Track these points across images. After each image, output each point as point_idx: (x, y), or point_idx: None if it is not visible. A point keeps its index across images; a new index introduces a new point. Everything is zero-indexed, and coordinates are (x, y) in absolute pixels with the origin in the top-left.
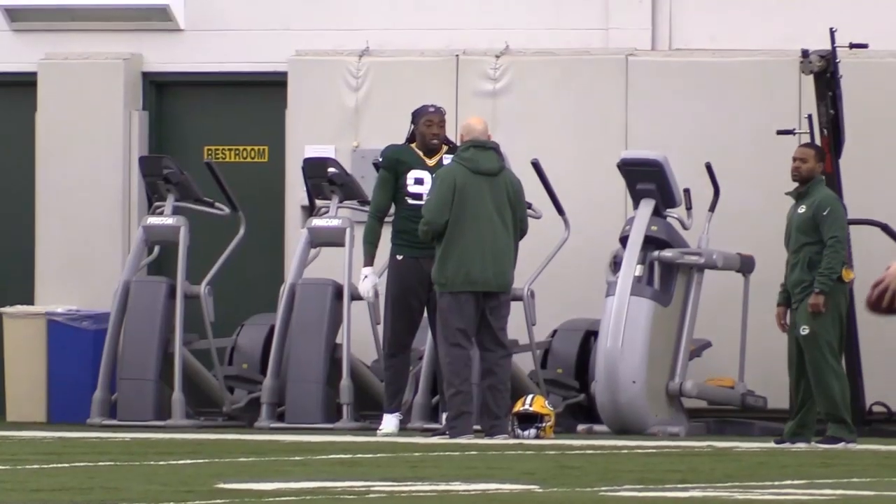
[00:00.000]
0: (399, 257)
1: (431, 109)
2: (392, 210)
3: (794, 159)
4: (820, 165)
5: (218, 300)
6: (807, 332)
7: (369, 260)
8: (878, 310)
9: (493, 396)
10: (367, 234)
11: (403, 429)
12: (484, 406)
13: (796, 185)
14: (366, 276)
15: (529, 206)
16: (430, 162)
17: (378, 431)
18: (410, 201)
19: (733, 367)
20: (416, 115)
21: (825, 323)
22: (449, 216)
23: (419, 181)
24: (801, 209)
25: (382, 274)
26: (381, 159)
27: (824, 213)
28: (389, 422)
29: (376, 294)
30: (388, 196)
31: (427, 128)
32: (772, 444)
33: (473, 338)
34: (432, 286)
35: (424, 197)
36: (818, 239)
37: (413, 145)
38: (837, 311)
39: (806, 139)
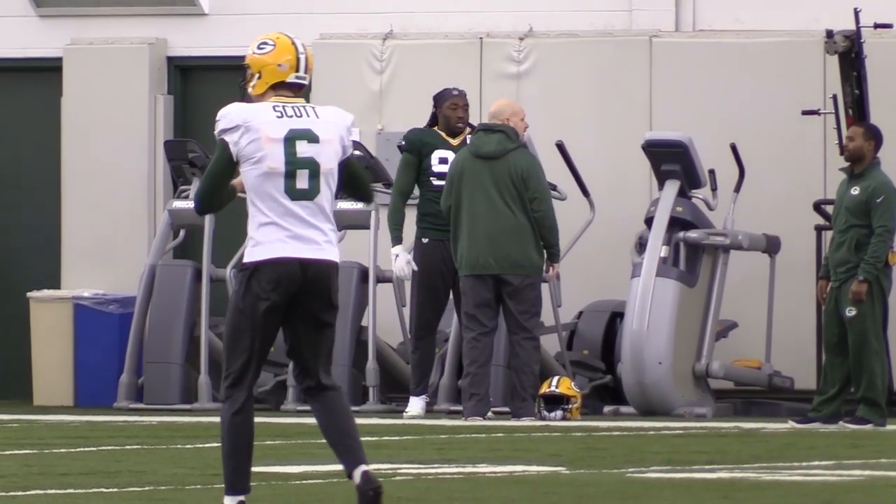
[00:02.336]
0: (424, 240)
1: (455, 93)
2: (416, 193)
3: (846, 137)
4: (870, 144)
5: None
6: (853, 313)
7: (397, 240)
8: None
9: (518, 378)
10: (391, 216)
11: (430, 411)
12: (512, 388)
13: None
14: (397, 256)
15: (554, 187)
16: (454, 142)
17: (404, 414)
18: (436, 182)
19: (760, 348)
20: (440, 99)
21: (872, 305)
22: (451, 201)
23: (444, 160)
24: (855, 191)
25: (410, 253)
26: (404, 142)
27: (878, 200)
28: (416, 404)
29: (413, 271)
30: (412, 178)
31: (452, 111)
32: (801, 426)
33: (492, 320)
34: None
35: None
36: (868, 223)
37: (436, 128)
38: (882, 293)
39: (831, 119)
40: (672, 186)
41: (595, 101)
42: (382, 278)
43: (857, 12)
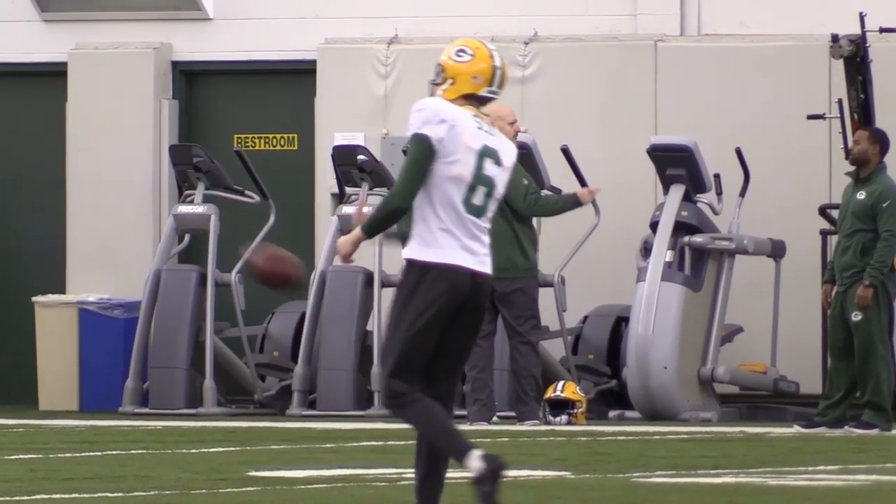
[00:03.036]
0: None
1: None
2: None
3: (852, 141)
4: (875, 148)
5: (248, 288)
6: (859, 318)
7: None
8: None
9: (519, 382)
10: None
11: None
12: (515, 391)
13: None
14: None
15: (559, 191)
16: None
17: None
18: None
19: (765, 353)
20: None
21: (878, 309)
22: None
23: None
24: (861, 195)
25: None
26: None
27: (884, 205)
28: None
29: None
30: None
31: None
32: (806, 430)
33: (488, 324)
34: None
35: None
36: (873, 227)
37: None
38: (888, 297)
39: (836, 124)
40: (677, 191)
41: (600, 105)
42: (387, 283)
43: (862, 16)
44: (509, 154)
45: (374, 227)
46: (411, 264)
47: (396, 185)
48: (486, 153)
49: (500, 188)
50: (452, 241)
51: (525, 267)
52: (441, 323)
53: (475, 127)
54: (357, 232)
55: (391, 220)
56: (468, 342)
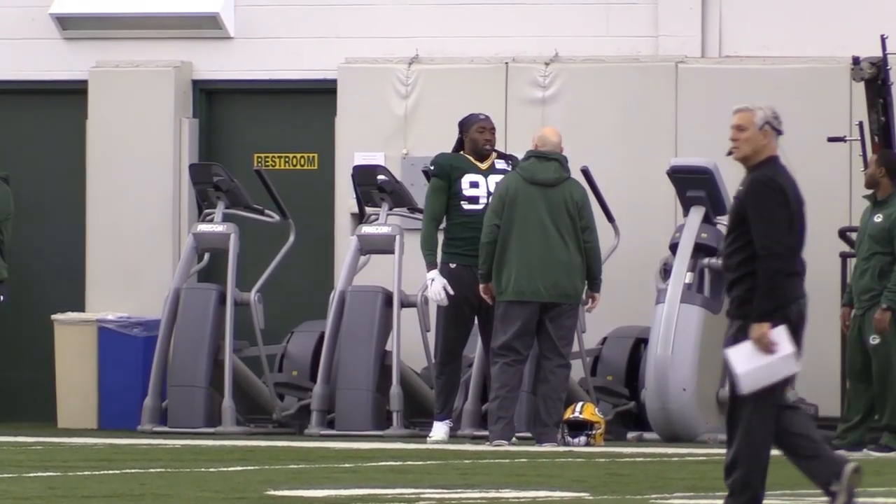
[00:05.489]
0: (452, 265)
1: (482, 117)
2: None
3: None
4: (881, 171)
5: (268, 307)
6: (877, 341)
7: (432, 265)
8: None
9: (545, 405)
10: (424, 242)
11: (453, 436)
12: (535, 413)
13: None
14: (433, 280)
15: None
16: (483, 166)
17: (428, 438)
18: (466, 206)
19: None
20: (465, 124)
21: (895, 333)
22: (498, 221)
23: (475, 184)
24: (878, 218)
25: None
26: (432, 167)
27: None
28: (439, 429)
29: (447, 295)
30: (443, 203)
31: (480, 133)
32: None
33: (528, 349)
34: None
35: (481, 200)
36: (891, 250)
37: (462, 152)
38: None
39: (857, 147)
40: (697, 213)
41: (620, 126)
42: (407, 303)
43: (883, 39)
44: None
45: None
46: None
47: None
48: None
49: None
50: None
51: (580, 294)
52: None
53: None
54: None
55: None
56: None
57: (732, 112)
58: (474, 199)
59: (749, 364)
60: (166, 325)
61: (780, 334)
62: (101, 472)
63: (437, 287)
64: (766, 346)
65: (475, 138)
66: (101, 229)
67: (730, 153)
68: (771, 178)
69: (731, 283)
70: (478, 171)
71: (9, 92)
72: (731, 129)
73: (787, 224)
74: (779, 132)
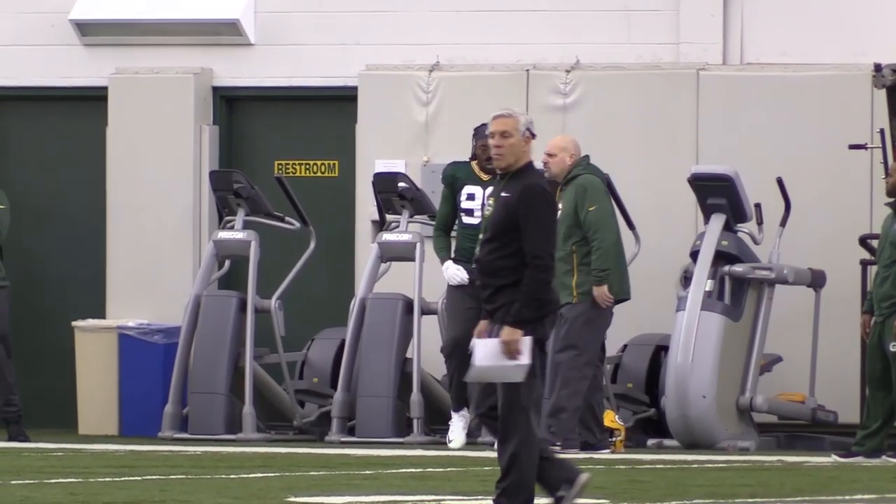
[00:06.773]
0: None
1: (488, 133)
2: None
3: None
4: None
5: (288, 314)
6: None
7: (445, 259)
8: None
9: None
10: (435, 247)
11: (472, 443)
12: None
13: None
14: (447, 267)
15: None
16: (485, 178)
17: (447, 438)
18: (464, 218)
19: (804, 382)
20: (476, 135)
21: None
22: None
23: (471, 196)
24: None
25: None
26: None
27: None
28: (457, 424)
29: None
30: (449, 211)
31: (482, 152)
32: (843, 460)
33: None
34: None
35: (475, 213)
36: None
37: (474, 162)
38: None
39: (878, 154)
40: (718, 220)
41: (641, 133)
42: (427, 310)
43: None
44: None
45: None
46: None
47: None
48: None
49: None
50: None
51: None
52: None
53: None
54: None
55: None
56: None
57: (492, 118)
58: (469, 212)
59: (487, 360)
60: (187, 332)
61: (526, 345)
62: (122, 479)
63: (451, 270)
64: (511, 352)
65: (478, 155)
66: (121, 236)
67: (488, 160)
68: (543, 186)
69: (497, 289)
70: (478, 182)
71: (28, 98)
72: (493, 136)
73: (556, 234)
74: (534, 136)
